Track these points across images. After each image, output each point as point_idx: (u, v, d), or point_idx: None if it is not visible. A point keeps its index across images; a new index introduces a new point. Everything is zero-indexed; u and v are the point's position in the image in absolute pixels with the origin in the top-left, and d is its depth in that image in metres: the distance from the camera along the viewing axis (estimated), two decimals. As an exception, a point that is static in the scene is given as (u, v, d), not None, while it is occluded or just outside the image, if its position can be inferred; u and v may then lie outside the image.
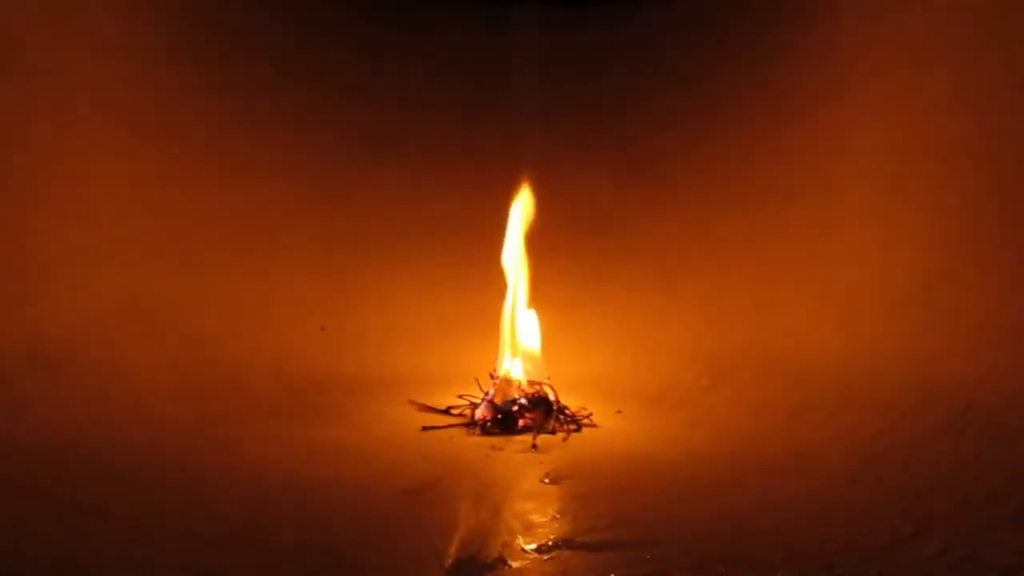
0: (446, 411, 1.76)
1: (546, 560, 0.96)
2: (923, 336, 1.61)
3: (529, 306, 1.95)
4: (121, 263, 1.91)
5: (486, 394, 1.74)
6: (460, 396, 1.79)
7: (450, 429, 1.65)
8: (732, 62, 2.22)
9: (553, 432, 1.63)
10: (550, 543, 1.01)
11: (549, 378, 1.78)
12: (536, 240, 1.98)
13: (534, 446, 1.52)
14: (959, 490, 1.16)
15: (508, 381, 1.76)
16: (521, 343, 1.89)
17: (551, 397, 1.72)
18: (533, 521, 1.09)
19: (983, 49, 1.58)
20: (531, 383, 1.77)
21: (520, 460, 1.43)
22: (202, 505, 1.14)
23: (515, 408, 1.67)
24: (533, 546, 1.00)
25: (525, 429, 1.63)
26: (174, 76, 2.05)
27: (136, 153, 1.97)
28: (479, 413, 1.69)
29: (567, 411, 1.71)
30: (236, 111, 2.18)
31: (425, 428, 1.64)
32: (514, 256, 1.95)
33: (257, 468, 1.33)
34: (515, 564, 0.95)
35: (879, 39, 1.82)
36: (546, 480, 1.30)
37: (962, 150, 1.61)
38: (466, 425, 1.68)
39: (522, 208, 1.97)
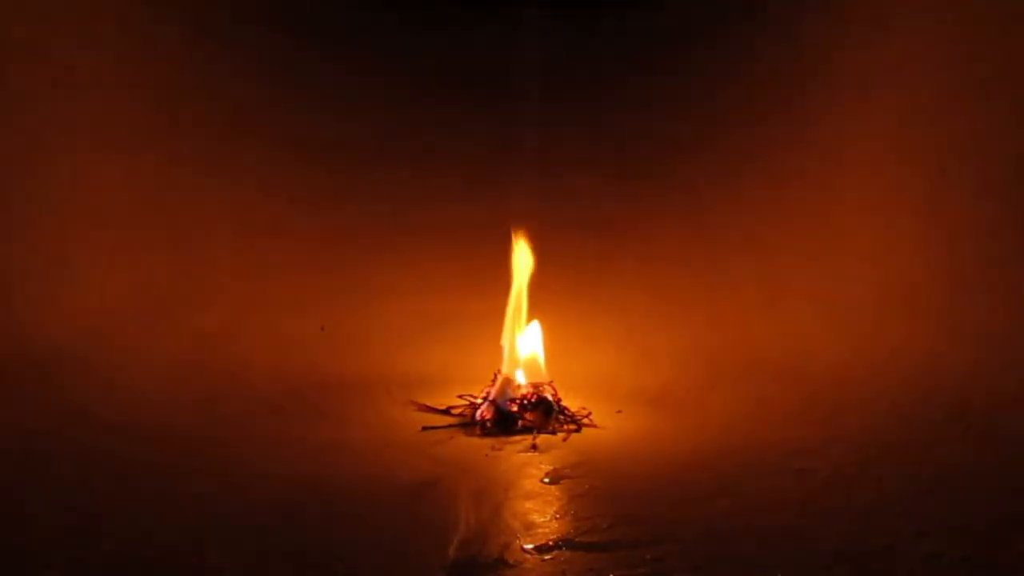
0: (446, 411, 1.76)
1: (546, 560, 0.96)
2: (923, 336, 1.61)
3: (533, 319, 1.94)
4: (120, 262, 1.91)
5: (487, 394, 1.74)
6: (460, 396, 1.79)
7: (450, 429, 1.65)
8: (732, 63, 2.22)
9: (553, 432, 1.63)
10: (550, 543, 1.01)
11: (552, 381, 1.78)
12: (535, 241, 1.98)
13: (534, 446, 1.52)
14: (959, 490, 1.16)
15: (508, 380, 1.76)
16: (524, 353, 1.89)
17: (551, 397, 1.72)
18: (533, 521, 1.09)
19: (983, 50, 1.58)
20: (531, 384, 1.77)
21: (520, 460, 1.43)
22: (202, 505, 1.14)
23: (515, 408, 1.67)
24: (533, 546, 1.00)
25: (525, 429, 1.63)
26: (176, 75, 2.06)
27: (137, 152, 1.97)
28: (480, 413, 1.69)
29: (567, 411, 1.71)
30: (237, 110, 2.18)
31: (425, 428, 1.64)
32: (521, 271, 1.93)
33: (257, 468, 1.33)
34: (515, 564, 0.95)
35: (879, 42, 1.82)
36: (546, 480, 1.30)
37: (962, 150, 1.62)
38: (466, 425, 1.68)
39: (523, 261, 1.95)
